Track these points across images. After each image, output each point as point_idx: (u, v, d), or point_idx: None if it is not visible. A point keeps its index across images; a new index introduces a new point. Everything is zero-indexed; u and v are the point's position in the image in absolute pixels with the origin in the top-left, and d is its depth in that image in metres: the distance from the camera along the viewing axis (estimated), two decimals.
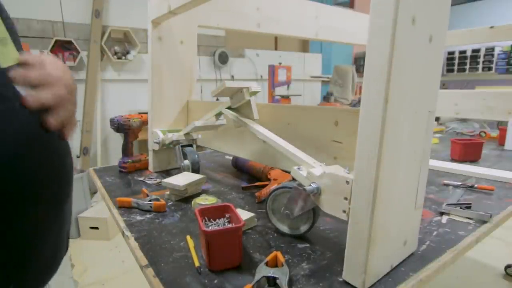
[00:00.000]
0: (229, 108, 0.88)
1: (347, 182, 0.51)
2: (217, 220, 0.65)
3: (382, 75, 0.43)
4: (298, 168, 0.63)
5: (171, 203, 0.89)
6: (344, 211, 0.53)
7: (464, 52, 5.37)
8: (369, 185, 0.46)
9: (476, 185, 0.98)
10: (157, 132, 1.13)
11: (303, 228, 0.67)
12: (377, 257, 0.50)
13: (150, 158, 1.19)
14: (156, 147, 1.13)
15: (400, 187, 0.52)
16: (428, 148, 0.56)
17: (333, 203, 0.55)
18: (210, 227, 0.62)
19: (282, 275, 0.51)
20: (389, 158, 0.47)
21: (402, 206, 0.54)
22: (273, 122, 0.88)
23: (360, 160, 0.48)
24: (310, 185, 0.59)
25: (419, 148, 0.54)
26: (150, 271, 0.56)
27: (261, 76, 4.44)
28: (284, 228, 0.69)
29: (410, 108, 0.49)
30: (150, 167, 1.20)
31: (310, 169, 0.60)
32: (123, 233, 0.73)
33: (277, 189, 0.70)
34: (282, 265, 0.54)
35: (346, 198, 0.52)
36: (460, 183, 1.01)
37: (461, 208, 0.79)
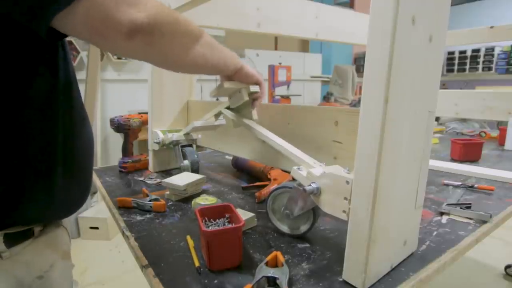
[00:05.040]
0: (228, 108, 0.87)
1: (347, 182, 0.51)
2: (217, 220, 0.65)
3: (382, 75, 0.43)
4: (298, 168, 0.63)
5: (171, 203, 0.89)
6: (344, 211, 0.53)
7: (464, 52, 5.37)
8: (369, 185, 0.46)
9: (476, 185, 0.98)
10: (157, 132, 1.13)
11: (303, 228, 0.67)
12: (377, 257, 0.50)
13: (150, 158, 1.19)
14: (156, 147, 1.13)
15: (400, 187, 0.52)
16: (428, 148, 0.56)
17: (333, 203, 0.55)
18: (210, 227, 0.62)
19: (282, 275, 0.51)
20: (389, 158, 0.47)
21: (402, 206, 0.54)
22: (273, 122, 0.88)
23: (360, 160, 0.48)
24: (310, 185, 0.59)
25: (419, 148, 0.54)
26: (150, 271, 0.56)
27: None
28: (284, 228, 0.69)
29: (410, 108, 0.49)
30: (150, 167, 1.20)
31: (310, 169, 0.60)
32: (123, 233, 0.73)
33: (277, 189, 0.70)
34: (282, 265, 0.54)
35: (346, 198, 0.52)
36: (460, 183, 1.01)
37: (461, 208, 0.79)
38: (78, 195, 0.60)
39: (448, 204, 0.82)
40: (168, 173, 1.18)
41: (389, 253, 0.54)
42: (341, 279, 0.53)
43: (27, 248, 0.53)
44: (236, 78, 0.74)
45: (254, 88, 0.77)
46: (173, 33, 0.52)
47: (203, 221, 0.63)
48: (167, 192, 0.92)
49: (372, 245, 0.48)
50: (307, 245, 0.65)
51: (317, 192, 0.58)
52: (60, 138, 0.52)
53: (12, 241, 0.51)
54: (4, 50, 0.45)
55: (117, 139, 3.26)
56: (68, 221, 0.66)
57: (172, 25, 0.51)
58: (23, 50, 0.46)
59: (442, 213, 0.80)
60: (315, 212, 0.65)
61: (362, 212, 0.48)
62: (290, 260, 0.59)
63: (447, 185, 1.02)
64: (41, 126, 0.50)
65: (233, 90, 0.79)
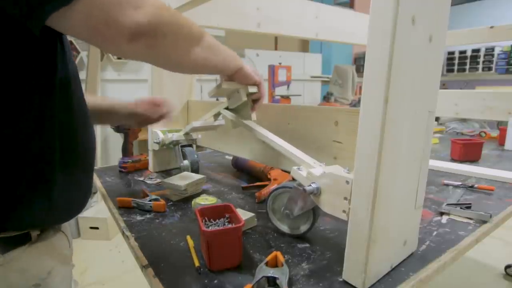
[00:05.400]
0: (227, 108, 0.87)
1: (347, 182, 0.51)
2: (217, 220, 0.65)
3: (382, 75, 0.43)
4: (298, 168, 0.63)
5: (171, 203, 0.89)
6: (344, 211, 0.53)
7: (464, 52, 5.37)
8: (369, 185, 0.46)
9: (476, 185, 0.98)
10: (157, 132, 1.13)
11: (303, 228, 0.67)
12: (377, 257, 0.50)
13: (150, 158, 1.19)
14: (156, 147, 1.13)
15: (400, 187, 0.52)
16: (428, 148, 0.56)
17: (333, 203, 0.55)
18: (210, 227, 0.62)
19: (282, 275, 0.51)
20: (389, 158, 0.47)
21: (402, 206, 0.54)
22: (273, 122, 0.88)
23: (360, 160, 0.48)
24: (310, 185, 0.59)
25: (419, 148, 0.54)
26: (150, 271, 0.56)
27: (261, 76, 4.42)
28: (284, 228, 0.69)
29: (410, 108, 0.49)
30: (150, 167, 1.20)
31: (310, 169, 0.60)
32: (123, 233, 0.73)
33: (277, 189, 0.70)
34: (282, 265, 0.54)
35: (346, 198, 0.52)
36: (460, 183, 1.01)
37: (461, 208, 0.79)
38: (79, 198, 0.58)
39: (448, 204, 0.82)
40: (168, 173, 1.18)
41: (389, 253, 0.54)
42: (341, 279, 0.53)
43: (23, 254, 0.50)
44: (235, 78, 0.73)
45: (252, 89, 0.77)
46: (175, 35, 0.51)
47: (203, 221, 0.63)
48: (167, 192, 0.92)
49: (372, 245, 0.48)
50: (307, 245, 0.65)
51: (317, 192, 0.58)
52: (58, 138, 0.50)
53: (6, 246, 0.48)
54: None
55: (117, 139, 3.26)
56: (68, 224, 0.64)
57: (174, 27, 0.51)
58: (16, 47, 0.44)
59: (442, 213, 0.80)
60: (315, 212, 0.65)
61: (362, 212, 0.48)
62: (290, 260, 0.59)
63: (447, 185, 1.02)
64: (37, 126, 0.48)
65: (231, 91, 0.79)
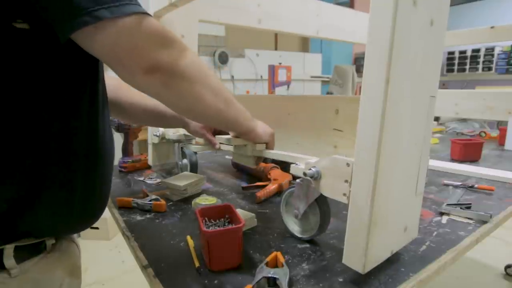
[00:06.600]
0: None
1: (348, 165, 0.51)
2: (217, 221, 0.65)
3: (384, 55, 0.43)
4: (296, 164, 0.63)
5: (171, 203, 0.89)
6: (345, 194, 0.52)
7: (464, 52, 5.37)
8: (369, 167, 0.46)
9: (476, 185, 0.98)
10: None
11: (314, 228, 0.65)
12: (377, 241, 0.50)
13: (150, 151, 1.19)
14: (156, 140, 1.12)
15: (401, 171, 0.52)
16: (429, 134, 0.56)
17: (334, 186, 0.55)
18: (210, 228, 0.62)
19: (282, 276, 0.51)
20: (390, 141, 0.46)
21: (402, 191, 0.54)
22: (273, 112, 0.87)
23: (361, 142, 0.47)
24: (310, 169, 0.58)
25: (420, 133, 0.54)
26: (150, 271, 0.56)
27: (261, 76, 4.43)
28: (295, 230, 0.68)
29: (411, 91, 0.49)
30: (150, 161, 1.20)
31: (307, 160, 0.60)
32: (123, 233, 0.73)
33: (288, 189, 0.69)
34: (282, 266, 0.54)
35: (346, 181, 0.52)
36: (460, 183, 1.01)
37: (461, 208, 0.79)
38: (98, 204, 0.56)
39: (448, 204, 0.82)
40: (168, 172, 1.18)
41: (390, 238, 0.54)
42: (341, 280, 0.53)
43: (37, 265, 0.48)
44: (244, 138, 0.74)
45: (260, 147, 0.78)
46: (193, 81, 0.51)
47: (203, 221, 0.63)
48: (167, 192, 0.92)
49: (372, 229, 0.48)
50: (307, 245, 0.65)
51: (317, 176, 0.57)
52: (84, 139, 0.49)
53: (22, 255, 0.46)
54: (29, 49, 0.42)
55: (117, 139, 3.25)
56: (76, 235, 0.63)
57: (195, 73, 0.51)
58: (47, 48, 0.43)
59: (442, 213, 0.80)
60: (323, 210, 0.63)
61: (363, 196, 0.48)
62: (290, 261, 0.59)
63: (447, 185, 1.02)
64: (64, 124, 0.46)
65: (238, 144, 0.80)
